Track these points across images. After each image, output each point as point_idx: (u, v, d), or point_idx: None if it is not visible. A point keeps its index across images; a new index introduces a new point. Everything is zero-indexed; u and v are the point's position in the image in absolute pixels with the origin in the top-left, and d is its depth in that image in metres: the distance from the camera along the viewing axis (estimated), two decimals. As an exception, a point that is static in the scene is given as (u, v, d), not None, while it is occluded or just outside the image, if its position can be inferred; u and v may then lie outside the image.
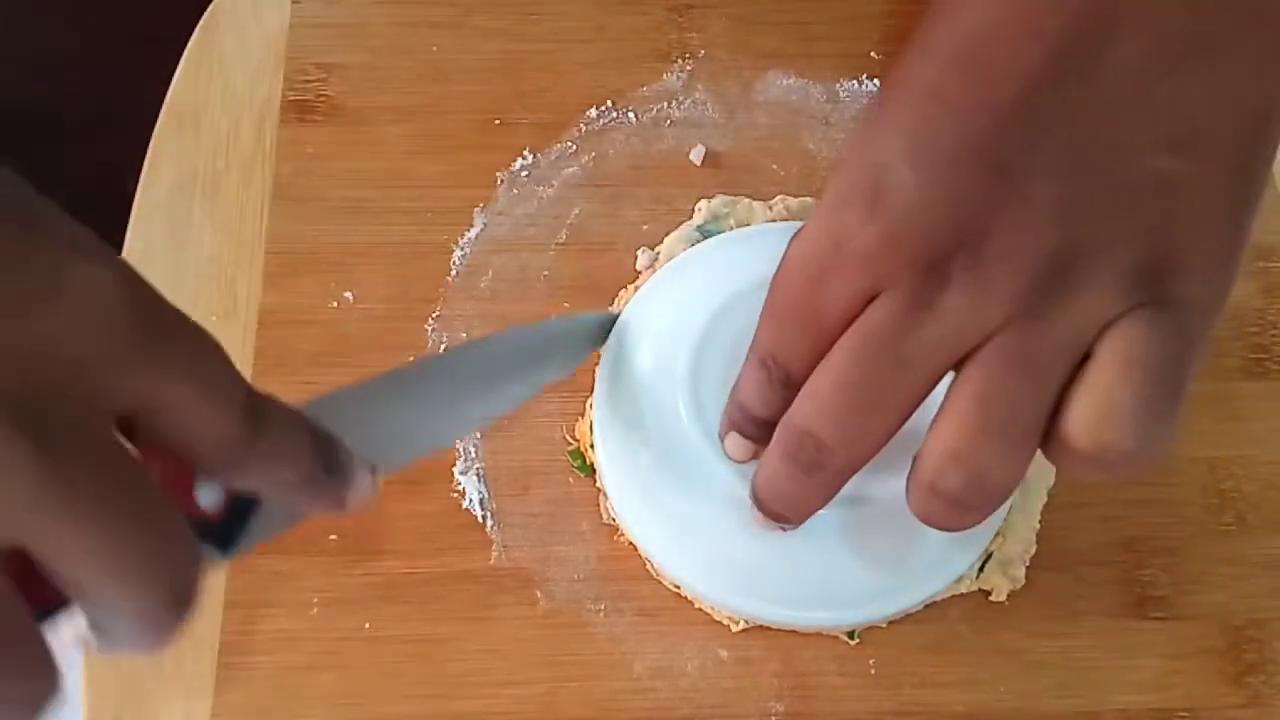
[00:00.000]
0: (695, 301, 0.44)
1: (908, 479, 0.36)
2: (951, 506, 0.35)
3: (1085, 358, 0.34)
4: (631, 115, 0.53)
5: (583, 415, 0.47)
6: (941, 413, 0.35)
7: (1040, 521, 0.46)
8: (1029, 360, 0.34)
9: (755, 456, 0.39)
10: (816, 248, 0.35)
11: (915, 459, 0.36)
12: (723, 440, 0.40)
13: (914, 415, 0.40)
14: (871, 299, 0.35)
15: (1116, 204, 0.33)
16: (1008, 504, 0.44)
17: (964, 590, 0.44)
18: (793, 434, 0.37)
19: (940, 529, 0.36)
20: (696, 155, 0.52)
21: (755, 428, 0.38)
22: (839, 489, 0.37)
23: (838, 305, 0.35)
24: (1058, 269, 0.33)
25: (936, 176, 0.34)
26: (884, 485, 0.40)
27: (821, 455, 0.36)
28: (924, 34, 0.36)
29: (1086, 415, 0.33)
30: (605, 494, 0.45)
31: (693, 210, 0.50)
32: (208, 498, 0.30)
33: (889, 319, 0.34)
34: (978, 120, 0.34)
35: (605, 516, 0.46)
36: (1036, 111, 0.34)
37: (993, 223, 0.33)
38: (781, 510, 0.38)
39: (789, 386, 0.38)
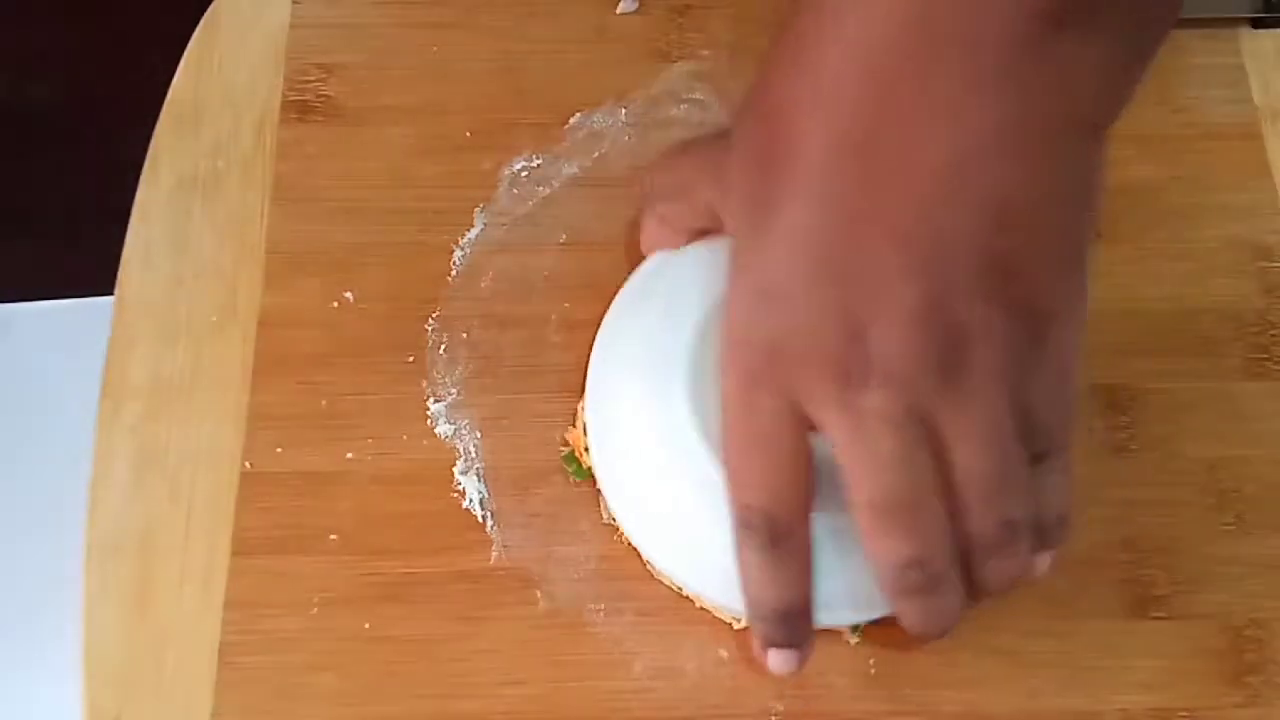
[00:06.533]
0: (691, 298, 0.44)
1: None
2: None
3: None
4: (632, 115, 0.53)
5: (574, 420, 0.47)
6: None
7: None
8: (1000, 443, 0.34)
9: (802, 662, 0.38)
10: (739, 378, 0.35)
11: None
12: (764, 655, 0.38)
13: None
14: (800, 414, 0.35)
15: (979, 287, 0.33)
16: None
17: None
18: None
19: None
20: (696, 155, 0.52)
21: (784, 626, 0.37)
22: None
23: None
24: (951, 350, 0.33)
25: (809, 299, 0.33)
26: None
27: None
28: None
29: None
30: (604, 495, 0.45)
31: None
32: None
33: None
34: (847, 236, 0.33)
35: (605, 516, 0.46)
36: (865, 219, 0.33)
37: (873, 331, 0.33)
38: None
39: (778, 538, 0.36)
